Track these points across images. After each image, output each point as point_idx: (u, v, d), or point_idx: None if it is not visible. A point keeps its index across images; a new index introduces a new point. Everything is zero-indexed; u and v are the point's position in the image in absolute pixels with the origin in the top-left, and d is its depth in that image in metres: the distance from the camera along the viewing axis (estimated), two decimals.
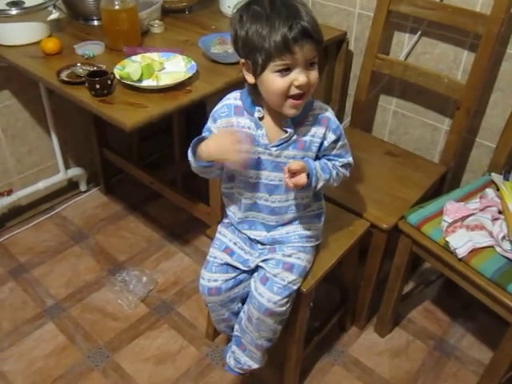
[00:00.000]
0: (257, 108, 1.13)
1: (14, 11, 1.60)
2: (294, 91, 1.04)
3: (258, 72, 1.04)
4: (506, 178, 1.53)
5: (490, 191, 1.51)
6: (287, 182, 1.09)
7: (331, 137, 1.17)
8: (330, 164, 1.20)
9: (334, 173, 1.20)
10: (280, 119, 1.13)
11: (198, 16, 1.96)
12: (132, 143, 2.33)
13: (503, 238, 1.33)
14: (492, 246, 1.34)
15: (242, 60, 1.07)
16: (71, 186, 2.27)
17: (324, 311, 1.68)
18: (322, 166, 1.17)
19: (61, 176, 2.14)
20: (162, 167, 2.36)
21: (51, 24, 1.72)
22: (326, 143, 1.17)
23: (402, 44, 1.82)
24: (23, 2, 1.65)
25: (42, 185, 2.09)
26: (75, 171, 2.21)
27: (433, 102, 1.84)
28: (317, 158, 1.20)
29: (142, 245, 2.05)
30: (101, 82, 1.35)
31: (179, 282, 1.89)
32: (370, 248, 1.57)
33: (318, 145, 1.17)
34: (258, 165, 1.17)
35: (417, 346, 1.70)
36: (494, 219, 1.39)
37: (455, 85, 1.63)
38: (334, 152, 1.20)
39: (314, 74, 1.06)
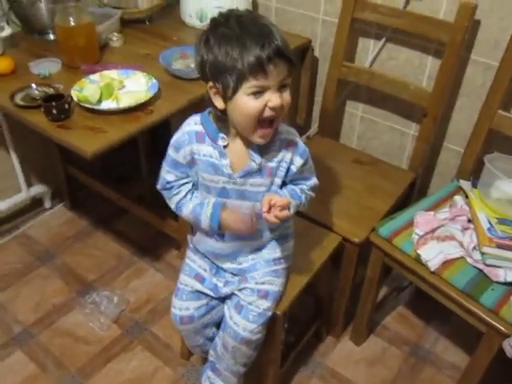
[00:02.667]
0: (221, 135, 1.09)
1: None
2: (267, 113, 1.01)
3: (229, 95, 1.00)
4: (474, 185, 1.53)
5: (458, 199, 1.51)
6: (267, 217, 1.06)
7: (299, 161, 1.14)
8: (297, 189, 1.18)
9: (303, 197, 1.18)
10: (246, 145, 1.10)
11: (158, 26, 1.90)
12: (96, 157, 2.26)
13: (474, 248, 1.34)
14: (463, 257, 1.35)
15: (210, 84, 1.02)
16: (35, 204, 2.19)
17: (299, 323, 1.66)
18: (291, 194, 1.15)
19: (23, 195, 2.06)
20: (129, 181, 2.30)
21: (4, 40, 1.64)
22: (293, 168, 1.14)
23: (367, 50, 1.81)
24: None
25: (4, 205, 2.01)
26: (38, 188, 2.13)
27: (399, 107, 1.83)
28: (283, 182, 1.17)
29: (112, 262, 2.00)
30: (58, 106, 1.29)
31: (152, 300, 1.85)
32: (342, 260, 1.56)
33: (284, 170, 1.14)
34: (222, 193, 1.14)
35: (392, 353, 1.71)
36: (464, 229, 1.40)
37: (421, 92, 1.63)
38: (302, 176, 1.18)
39: (286, 96, 1.02)
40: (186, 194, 1.17)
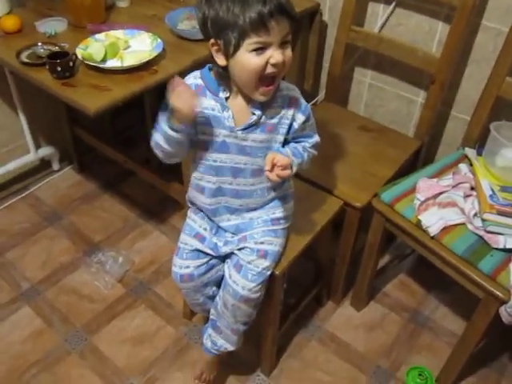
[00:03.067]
0: (222, 88, 1.09)
1: None
2: (269, 69, 1.01)
3: (230, 52, 0.99)
4: (479, 153, 1.52)
5: (463, 166, 1.51)
6: (269, 175, 1.07)
7: (301, 118, 1.15)
8: (300, 147, 1.18)
9: (306, 155, 1.19)
10: (247, 101, 1.10)
11: None
12: (103, 119, 2.27)
13: (475, 214, 1.34)
14: (464, 224, 1.35)
15: (212, 40, 1.01)
16: (44, 165, 2.22)
17: (300, 287, 1.68)
18: (293, 152, 1.16)
19: (31, 156, 2.09)
20: (135, 144, 2.31)
21: (11, 0, 1.64)
22: (295, 125, 1.15)
23: (377, 15, 1.78)
24: None
25: (12, 165, 2.04)
26: (46, 150, 2.15)
27: (408, 74, 1.81)
28: (285, 140, 1.17)
29: (118, 224, 2.03)
30: (62, 64, 1.30)
31: (156, 262, 1.89)
32: (343, 225, 1.57)
33: (286, 127, 1.15)
34: (222, 148, 1.14)
35: (392, 319, 1.73)
36: (466, 196, 1.39)
37: (430, 58, 1.61)
38: (304, 133, 1.19)
39: (288, 53, 1.02)
40: None
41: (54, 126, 2.16)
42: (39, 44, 1.45)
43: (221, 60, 1.03)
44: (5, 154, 2.05)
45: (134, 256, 1.90)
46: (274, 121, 1.13)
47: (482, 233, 1.31)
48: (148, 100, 2.13)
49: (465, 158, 1.57)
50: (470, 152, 1.55)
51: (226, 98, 1.10)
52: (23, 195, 2.14)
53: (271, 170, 1.07)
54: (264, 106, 1.11)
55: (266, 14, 0.94)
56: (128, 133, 2.39)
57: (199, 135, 1.13)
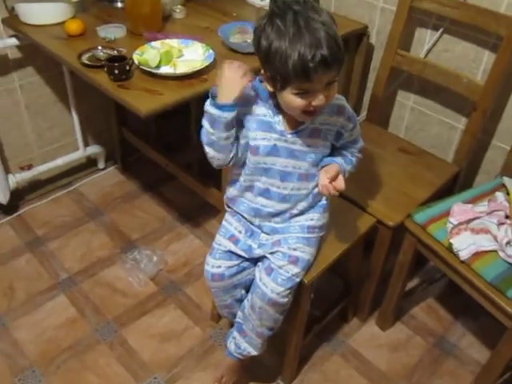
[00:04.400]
0: (272, 96, 1.14)
1: None
2: (312, 108, 1.07)
3: (277, 89, 1.08)
4: None
5: (499, 195, 1.51)
6: (324, 187, 1.18)
7: (349, 125, 1.21)
8: (349, 154, 1.26)
9: (354, 160, 1.28)
10: None
11: (220, 2, 1.97)
12: (150, 123, 2.37)
13: (507, 243, 1.34)
14: (495, 251, 1.35)
15: (262, 71, 1.09)
16: (90, 163, 2.32)
17: (327, 301, 1.71)
18: (345, 160, 1.24)
19: (80, 153, 2.19)
20: (178, 149, 2.40)
21: (76, 5, 1.75)
22: (344, 132, 1.22)
23: (424, 40, 1.81)
24: None
25: (61, 161, 2.15)
26: (94, 149, 2.26)
27: (451, 100, 1.82)
28: (332, 146, 1.24)
29: (155, 225, 2.10)
30: (119, 67, 1.38)
31: (188, 264, 1.94)
32: (375, 243, 1.59)
33: (334, 133, 1.21)
34: (273, 152, 1.19)
35: (416, 342, 1.73)
36: (500, 224, 1.39)
37: (474, 85, 1.62)
38: (351, 139, 1.25)
39: (332, 91, 1.08)
40: None
41: (103, 126, 2.27)
42: (99, 47, 1.54)
43: (269, 87, 1.10)
44: (56, 150, 2.16)
45: (168, 256, 1.96)
46: (322, 127, 1.19)
47: None
48: (194, 107, 2.22)
49: (502, 186, 1.57)
50: (508, 181, 1.55)
51: (276, 104, 1.15)
52: (69, 190, 2.24)
53: (329, 182, 1.16)
54: None
55: (311, 68, 0.98)
56: (173, 137, 2.48)
57: (250, 141, 1.18)
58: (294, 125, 1.17)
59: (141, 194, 2.25)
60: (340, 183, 1.17)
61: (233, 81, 1.10)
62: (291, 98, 1.06)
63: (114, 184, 2.30)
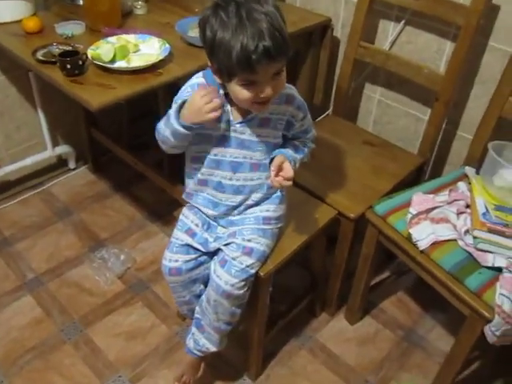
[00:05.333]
0: (222, 86, 1.13)
1: None
2: (260, 98, 1.06)
3: (223, 80, 1.07)
4: (478, 172, 1.52)
5: (461, 184, 1.50)
6: (272, 180, 1.13)
7: (299, 114, 1.21)
8: (300, 144, 1.25)
9: (306, 150, 1.26)
10: None
11: None
12: (121, 124, 2.35)
13: (466, 231, 1.33)
14: (455, 240, 1.34)
15: (209, 61, 1.08)
16: (60, 164, 2.30)
17: (293, 295, 1.69)
18: (296, 150, 1.23)
19: (48, 153, 2.17)
20: (148, 148, 2.37)
21: (37, 2, 1.74)
22: (295, 122, 1.21)
23: (387, 32, 1.80)
24: None
25: (30, 161, 2.13)
26: (63, 149, 2.24)
27: (415, 92, 1.82)
28: (284, 137, 1.24)
29: (125, 224, 2.09)
30: (71, 61, 1.37)
31: (157, 262, 1.92)
32: (338, 236, 1.58)
33: (283, 122, 1.20)
34: (222, 141, 1.18)
35: (385, 335, 1.72)
36: (460, 213, 1.39)
37: (434, 76, 1.62)
38: (302, 129, 1.25)
39: (280, 82, 1.07)
40: None
41: (72, 126, 2.25)
42: (54, 44, 1.53)
43: (217, 79, 1.09)
44: (24, 150, 2.14)
45: (136, 255, 1.95)
46: (272, 116, 1.18)
47: (471, 250, 1.30)
48: (163, 108, 2.20)
49: (465, 176, 1.57)
50: (470, 171, 1.55)
51: (225, 94, 1.14)
52: (38, 190, 2.22)
53: (276, 175, 1.13)
54: None
55: (254, 60, 0.97)
56: (143, 138, 2.46)
57: (200, 129, 1.17)
58: (244, 114, 1.16)
59: (112, 194, 2.23)
60: (287, 171, 1.14)
61: (198, 110, 1.06)
62: (238, 90, 1.05)
63: (84, 184, 2.28)
